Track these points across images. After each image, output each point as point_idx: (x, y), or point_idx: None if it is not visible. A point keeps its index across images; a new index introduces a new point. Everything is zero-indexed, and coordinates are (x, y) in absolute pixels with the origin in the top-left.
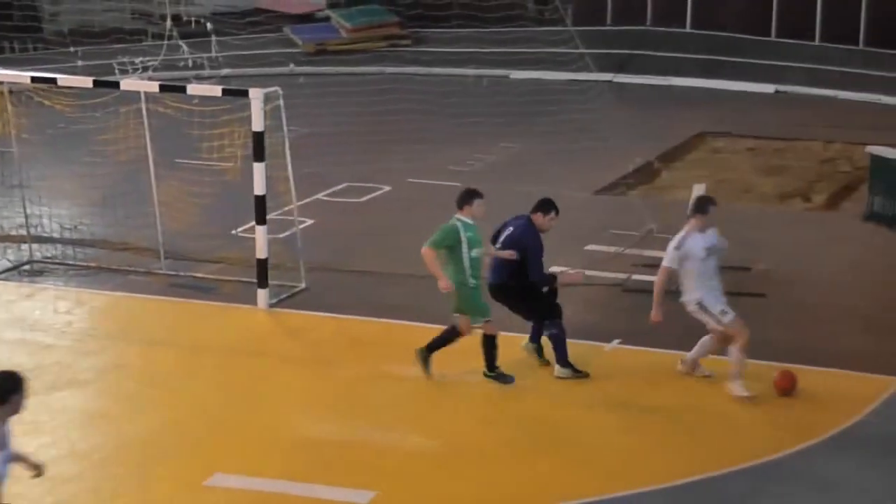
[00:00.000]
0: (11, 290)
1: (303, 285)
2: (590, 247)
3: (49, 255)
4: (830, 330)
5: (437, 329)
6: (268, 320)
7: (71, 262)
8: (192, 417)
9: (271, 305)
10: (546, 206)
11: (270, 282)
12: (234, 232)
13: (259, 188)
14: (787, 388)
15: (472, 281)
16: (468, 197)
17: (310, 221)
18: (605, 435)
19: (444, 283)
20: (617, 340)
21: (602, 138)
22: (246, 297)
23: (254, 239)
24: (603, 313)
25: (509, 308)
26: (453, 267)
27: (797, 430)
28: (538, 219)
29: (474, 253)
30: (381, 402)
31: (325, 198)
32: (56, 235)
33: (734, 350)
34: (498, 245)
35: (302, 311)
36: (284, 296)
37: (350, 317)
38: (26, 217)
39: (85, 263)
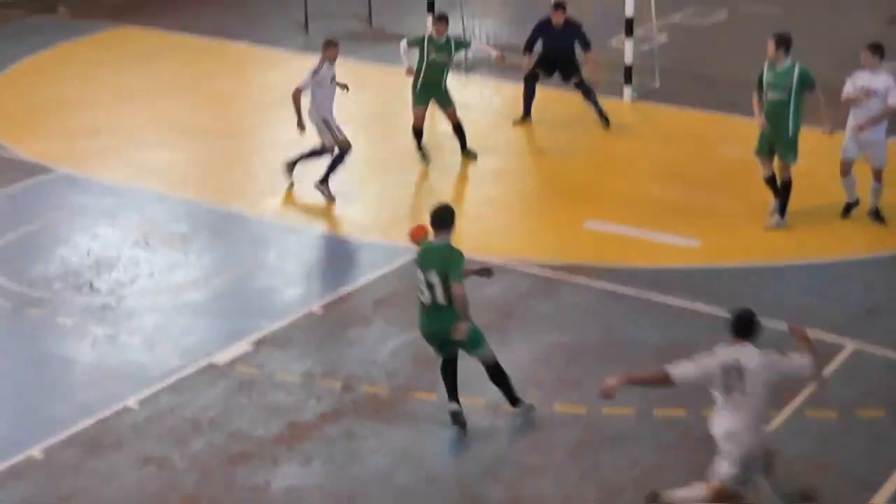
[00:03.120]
0: (452, 79)
1: (657, 85)
2: None
3: (478, 56)
4: None
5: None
6: (630, 111)
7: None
8: (569, 180)
9: (633, 100)
10: None
11: (633, 81)
12: (610, 43)
13: (629, 11)
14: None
15: None
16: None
17: (665, 38)
18: None
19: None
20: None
21: None
22: (614, 90)
23: (623, 49)
24: None
25: None
26: None
27: None
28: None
29: None
30: (710, 174)
31: (678, 20)
32: (482, 41)
33: None
34: None
35: (656, 104)
36: (644, 92)
37: (692, 110)
38: (463, 27)
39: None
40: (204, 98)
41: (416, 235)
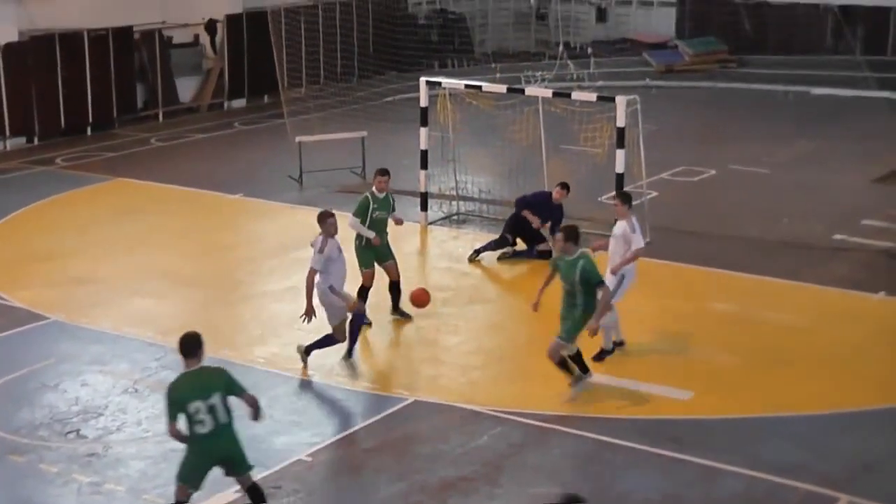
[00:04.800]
0: (444, 232)
1: (648, 240)
2: (865, 221)
3: (470, 209)
4: None
5: (749, 277)
6: None
7: (485, 215)
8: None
9: None
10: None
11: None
12: (599, 199)
13: (619, 168)
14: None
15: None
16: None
17: (654, 193)
18: None
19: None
20: (882, 292)
21: (882, 140)
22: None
23: (612, 205)
24: (871, 272)
25: None
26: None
27: None
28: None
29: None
30: (703, 328)
31: (667, 177)
32: (475, 196)
33: None
34: None
35: (648, 260)
36: None
37: (684, 265)
38: (455, 182)
39: (494, 217)
40: (197, 248)
41: (420, 299)
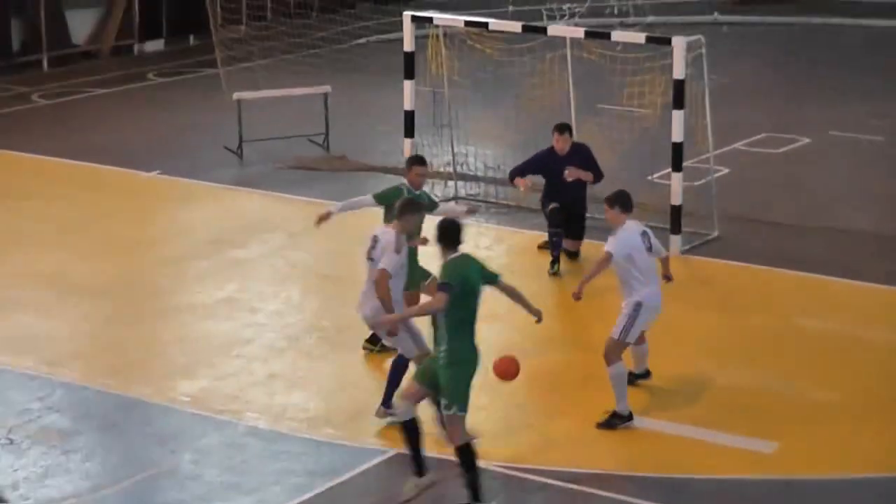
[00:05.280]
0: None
1: (715, 233)
2: None
3: (472, 192)
4: None
5: (847, 284)
6: (680, 266)
7: (492, 201)
8: (594, 359)
9: (683, 252)
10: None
11: (683, 228)
12: (649, 178)
13: (677, 135)
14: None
15: None
16: None
17: (725, 170)
18: None
19: None
20: None
21: None
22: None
23: (669, 185)
24: None
25: None
26: None
27: None
28: None
29: None
30: (789, 353)
31: (743, 147)
32: (480, 174)
33: None
34: None
35: (714, 259)
36: (697, 243)
37: (763, 267)
38: (453, 155)
39: (505, 202)
40: (96, 245)
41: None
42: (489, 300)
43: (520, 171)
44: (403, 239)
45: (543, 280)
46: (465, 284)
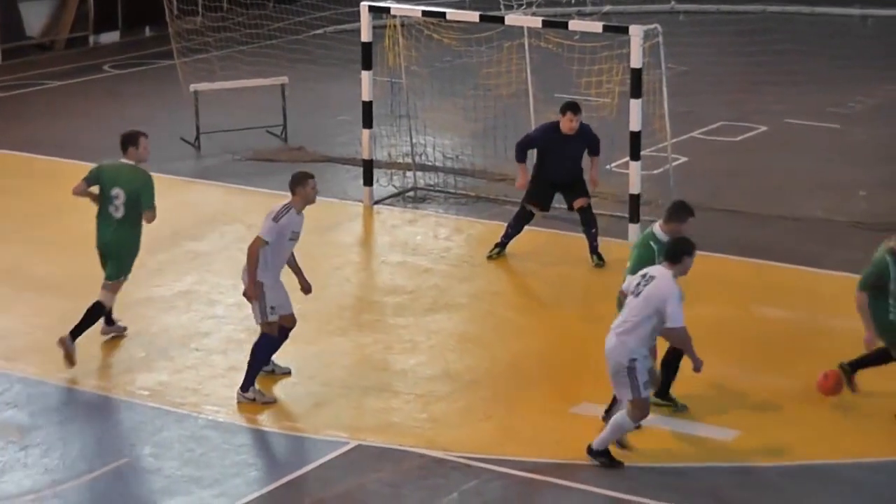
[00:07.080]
0: (396, 215)
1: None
2: None
3: (431, 182)
4: None
5: (804, 271)
6: None
7: (451, 191)
8: (560, 346)
9: None
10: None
11: (642, 217)
12: (607, 167)
13: (635, 124)
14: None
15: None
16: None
17: (683, 159)
18: None
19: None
20: None
21: None
22: (617, 231)
23: (626, 174)
24: None
25: None
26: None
27: None
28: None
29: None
30: (748, 341)
31: (700, 136)
32: (439, 164)
33: None
34: None
35: None
36: None
37: (720, 255)
38: (412, 146)
39: (464, 192)
40: (51, 239)
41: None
42: (451, 289)
43: (526, 145)
44: (278, 208)
45: (502, 270)
46: None
